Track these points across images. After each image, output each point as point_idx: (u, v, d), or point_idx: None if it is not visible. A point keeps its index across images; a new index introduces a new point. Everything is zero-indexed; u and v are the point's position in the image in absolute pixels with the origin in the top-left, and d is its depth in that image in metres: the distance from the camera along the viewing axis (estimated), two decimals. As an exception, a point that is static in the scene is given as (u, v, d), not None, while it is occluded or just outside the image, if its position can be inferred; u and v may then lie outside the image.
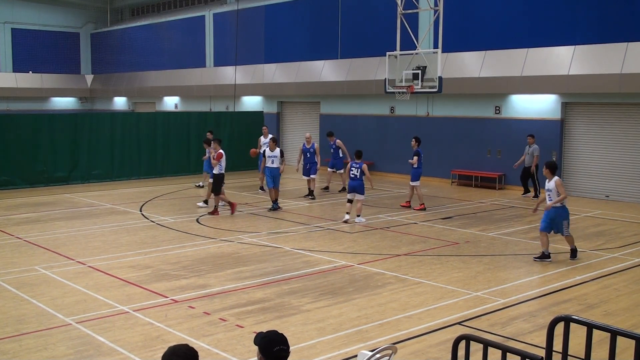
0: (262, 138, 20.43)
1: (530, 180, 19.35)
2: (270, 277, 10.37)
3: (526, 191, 19.53)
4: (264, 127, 21.47)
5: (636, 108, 18.46)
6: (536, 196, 18.89)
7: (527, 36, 20.20)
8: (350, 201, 15.10)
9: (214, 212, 15.87)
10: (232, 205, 16.10)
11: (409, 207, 17.10)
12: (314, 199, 18.47)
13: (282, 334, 3.64)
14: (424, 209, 16.75)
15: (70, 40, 42.92)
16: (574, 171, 19.87)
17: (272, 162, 16.94)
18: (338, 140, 20.07)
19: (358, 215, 15.07)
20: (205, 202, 17.03)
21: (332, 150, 20.17)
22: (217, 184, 16.01)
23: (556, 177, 11.54)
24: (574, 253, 11.81)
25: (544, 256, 11.63)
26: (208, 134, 20.20)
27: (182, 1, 37.93)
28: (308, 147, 19.08)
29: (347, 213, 15.08)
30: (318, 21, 27.00)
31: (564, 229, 11.58)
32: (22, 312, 8.59)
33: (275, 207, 16.57)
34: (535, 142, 19.34)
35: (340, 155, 19.86)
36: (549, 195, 11.56)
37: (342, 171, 19.82)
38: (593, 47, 18.64)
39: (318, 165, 19.03)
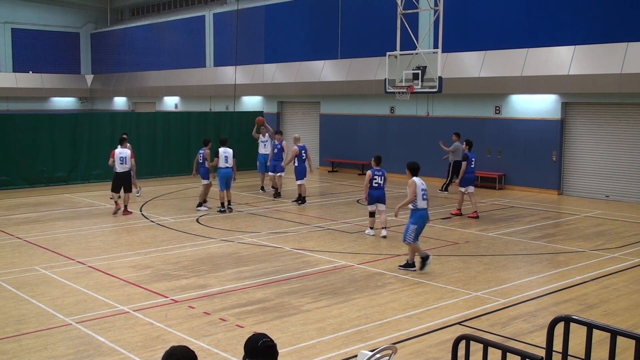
0: (261, 136, 20.37)
1: (454, 175, 19.87)
2: (270, 277, 10.37)
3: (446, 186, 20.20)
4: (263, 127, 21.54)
5: (636, 108, 18.46)
6: (443, 190, 20.01)
7: (527, 36, 20.20)
8: (372, 214, 13.70)
9: (118, 210, 15.96)
10: (117, 205, 16.04)
11: (460, 214, 16.08)
12: (301, 203, 17.68)
13: (261, 333, 3.64)
14: (459, 214, 16.06)
15: (70, 40, 42.92)
16: (574, 171, 19.87)
17: (226, 161, 16.33)
18: (284, 142, 18.95)
19: (385, 228, 13.58)
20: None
21: (275, 150, 18.80)
22: (115, 181, 15.99)
23: (412, 179, 10.61)
24: (407, 265, 10.79)
25: (408, 265, 10.85)
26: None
27: (182, 1, 37.93)
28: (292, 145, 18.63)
29: (371, 228, 13.69)
30: (318, 21, 27.00)
31: (406, 232, 10.68)
32: (22, 312, 8.59)
33: (223, 210, 16.22)
34: (459, 140, 19.72)
35: (282, 157, 18.67)
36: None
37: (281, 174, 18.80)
38: (593, 47, 18.64)
39: (283, 164, 18.19)
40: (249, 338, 3.63)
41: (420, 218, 10.66)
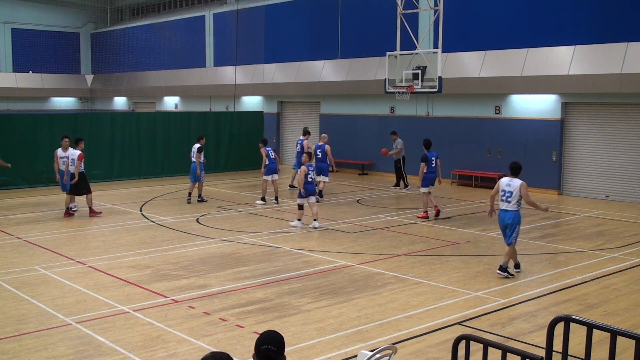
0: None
1: (398, 172, 20.80)
2: (270, 277, 10.37)
3: (397, 184, 20.87)
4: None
5: (636, 108, 18.46)
6: (406, 186, 20.49)
7: (527, 36, 20.20)
8: (302, 207, 14.49)
9: (67, 213, 15.64)
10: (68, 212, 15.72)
11: (427, 217, 15.54)
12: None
13: (275, 334, 3.64)
14: (426, 217, 15.48)
15: (70, 40, 42.91)
16: (574, 171, 19.87)
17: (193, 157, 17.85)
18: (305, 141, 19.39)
19: (316, 220, 14.37)
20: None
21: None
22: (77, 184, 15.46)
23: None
24: (502, 269, 10.57)
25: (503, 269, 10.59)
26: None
27: (182, 1, 37.93)
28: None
29: (299, 220, 14.47)
30: (318, 21, 26.99)
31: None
32: (22, 312, 8.59)
33: (200, 199, 17.85)
34: (398, 137, 20.96)
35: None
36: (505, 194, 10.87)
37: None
38: (593, 47, 18.64)
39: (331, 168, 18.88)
40: (264, 333, 3.67)
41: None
